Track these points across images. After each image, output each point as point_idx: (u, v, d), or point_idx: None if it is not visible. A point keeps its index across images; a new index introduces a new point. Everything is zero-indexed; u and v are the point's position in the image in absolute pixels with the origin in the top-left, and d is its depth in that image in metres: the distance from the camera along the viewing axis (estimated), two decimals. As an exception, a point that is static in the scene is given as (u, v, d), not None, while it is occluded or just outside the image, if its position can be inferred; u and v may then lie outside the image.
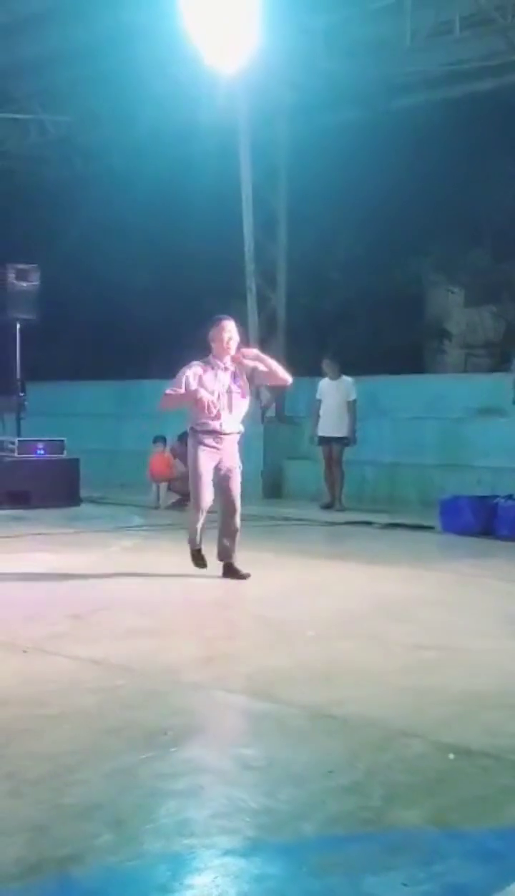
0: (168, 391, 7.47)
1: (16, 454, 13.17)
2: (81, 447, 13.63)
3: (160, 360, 17.67)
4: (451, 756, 3.87)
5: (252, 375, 7.57)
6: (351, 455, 12.70)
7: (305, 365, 12.71)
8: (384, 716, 4.35)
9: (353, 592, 7.38)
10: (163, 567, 8.01)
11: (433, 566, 8.57)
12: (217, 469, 7.49)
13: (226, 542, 7.60)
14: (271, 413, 14.66)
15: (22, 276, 13.72)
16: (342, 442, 12.53)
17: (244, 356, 7.58)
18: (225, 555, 7.62)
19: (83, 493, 13.21)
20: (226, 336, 7.45)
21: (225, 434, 7.43)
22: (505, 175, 15.56)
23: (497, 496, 10.62)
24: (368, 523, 11.19)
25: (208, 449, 7.42)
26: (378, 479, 13.46)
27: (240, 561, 7.68)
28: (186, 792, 3.51)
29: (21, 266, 13.77)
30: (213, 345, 7.51)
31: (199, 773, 3.70)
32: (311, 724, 4.27)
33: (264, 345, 14.60)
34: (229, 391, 7.42)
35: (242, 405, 7.53)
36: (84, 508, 12.79)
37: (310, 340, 14.92)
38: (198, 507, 7.58)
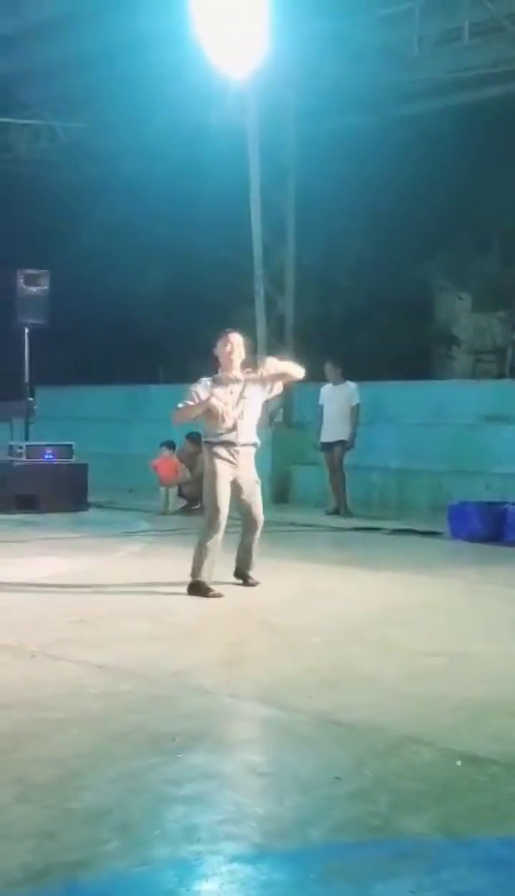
0: (179, 405, 7.43)
1: (24, 458, 13.19)
2: (90, 451, 13.64)
3: (168, 365, 17.73)
4: (459, 763, 3.86)
5: (270, 384, 7.58)
6: (358, 460, 12.67)
7: (313, 370, 12.68)
8: (391, 722, 4.34)
9: (361, 598, 7.37)
10: (169, 572, 7.98)
11: (441, 572, 8.55)
12: (236, 486, 7.37)
13: (246, 554, 7.55)
14: (278, 419, 14.67)
15: (32, 281, 13.75)
16: (342, 445, 12.50)
17: (267, 371, 7.56)
18: (242, 564, 7.60)
19: (91, 497, 13.22)
20: (228, 349, 7.45)
21: (240, 445, 7.37)
22: (514, 181, 15.55)
23: (505, 502, 10.60)
24: (376, 529, 11.17)
25: (224, 461, 7.32)
26: (386, 485, 13.43)
27: (247, 566, 7.67)
28: (193, 797, 3.51)
29: (31, 271, 13.81)
30: (220, 359, 7.52)
31: (206, 778, 3.69)
32: (318, 731, 4.27)
33: (271, 350, 14.64)
34: (241, 403, 7.40)
35: (255, 415, 7.52)
36: (91, 513, 12.80)
37: (318, 345, 14.89)
38: (212, 526, 7.24)
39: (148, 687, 4.90)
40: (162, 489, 13.16)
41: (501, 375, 17.16)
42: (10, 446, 13.63)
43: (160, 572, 8.13)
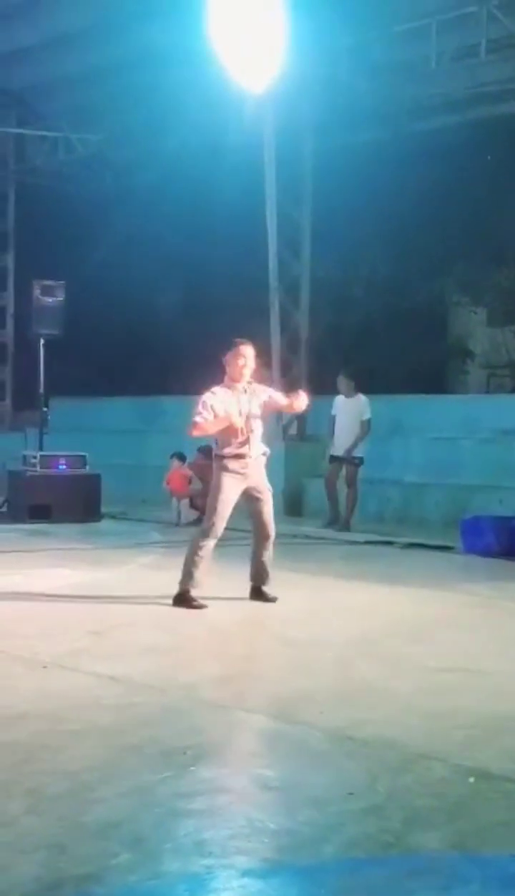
0: (197, 419, 7.33)
1: (38, 468, 13.23)
2: (103, 462, 13.66)
3: (182, 377, 17.73)
4: (472, 780, 3.85)
5: (269, 402, 7.62)
6: (374, 474, 12.58)
7: (327, 383, 12.70)
8: (404, 738, 4.33)
9: (373, 613, 7.35)
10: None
11: (453, 587, 8.53)
12: (247, 495, 7.38)
13: (261, 566, 7.52)
14: (292, 431, 14.67)
15: (48, 292, 13.81)
16: (353, 462, 12.34)
17: (290, 403, 7.68)
18: (258, 579, 7.55)
19: (104, 508, 13.24)
20: (240, 362, 7.45)
21: (251, 458, 7.37)
22: (529, 196, 15.56)
23: (519, 517, 10.57)
24: (389, 543, 11.15)
25: (234, 475, 7.31)
26: (400, 499, 13.40)
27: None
28: (205, 811, 3.50)
29: (47, 282, 13.86)
30: (228, 368, 7.52)
31: (218, 792, 3.69)
32: (331, 746, 4.26)
33: (286, 363, 14.67)
34: (249, 414, 7.42)
35: (260, 427, 7.53)
36: (104, 524, 12.82)
37: (333, 358, 14.89)
38: (207, 534, 7.29)
39: (160, 699, 4.90)
40: (174, 501, 13.18)
41: None
42: (24, 456, 13.68)
43: (172, 584, 8.09)
